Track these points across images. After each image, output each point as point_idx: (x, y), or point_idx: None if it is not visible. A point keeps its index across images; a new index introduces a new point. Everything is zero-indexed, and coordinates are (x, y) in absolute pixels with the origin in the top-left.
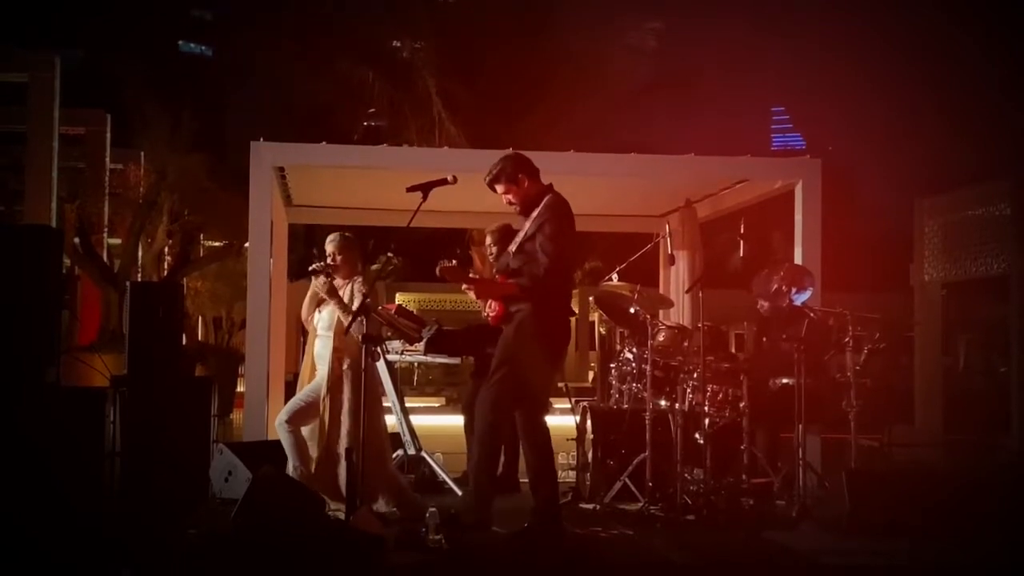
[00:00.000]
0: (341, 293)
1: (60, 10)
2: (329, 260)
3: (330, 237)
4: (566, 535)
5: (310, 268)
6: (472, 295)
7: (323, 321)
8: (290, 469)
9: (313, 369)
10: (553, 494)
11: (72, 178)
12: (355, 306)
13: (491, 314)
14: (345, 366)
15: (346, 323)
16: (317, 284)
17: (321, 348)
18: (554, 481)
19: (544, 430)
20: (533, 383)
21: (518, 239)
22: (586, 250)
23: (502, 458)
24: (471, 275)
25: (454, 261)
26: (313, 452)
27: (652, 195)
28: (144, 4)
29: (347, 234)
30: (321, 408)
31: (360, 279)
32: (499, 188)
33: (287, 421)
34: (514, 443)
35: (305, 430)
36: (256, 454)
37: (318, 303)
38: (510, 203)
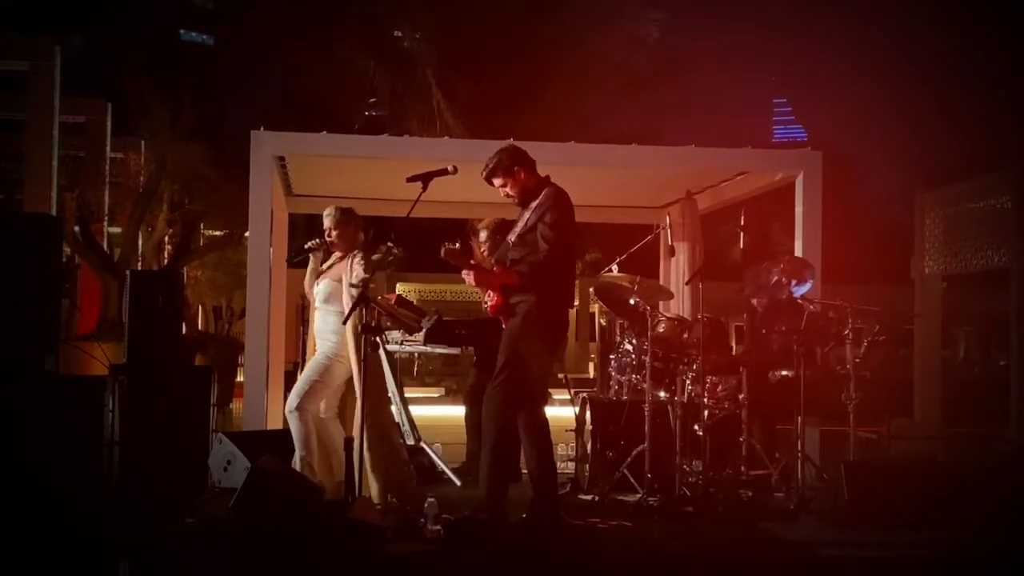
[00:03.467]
0: (333, 267)
1: None
2: (326, 236)
3: (327, 211)
4: (565, 526)
5: (306, 246)
6: (471, 281)
7: (320, 294)
8: (296, 460)
9: (315, 346)
10: (552, 485)
11: (72, 167)
12: (354, 279)
13: (489, 303)
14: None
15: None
16: (315, 261)
17: (320, 323)
18: (553, 472)
19: (544, 422)
20: (538, 378)
21: (517, 229)
22: (586, 241)
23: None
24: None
25: (457, 244)
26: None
27: (653, 186)
28: None
29: (345, 207)
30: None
31: (360, 254)
32: (496, 181)
33: (297, 408)
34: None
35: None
36: (255, 443)
37: (317, 276)
38: (508, 196)
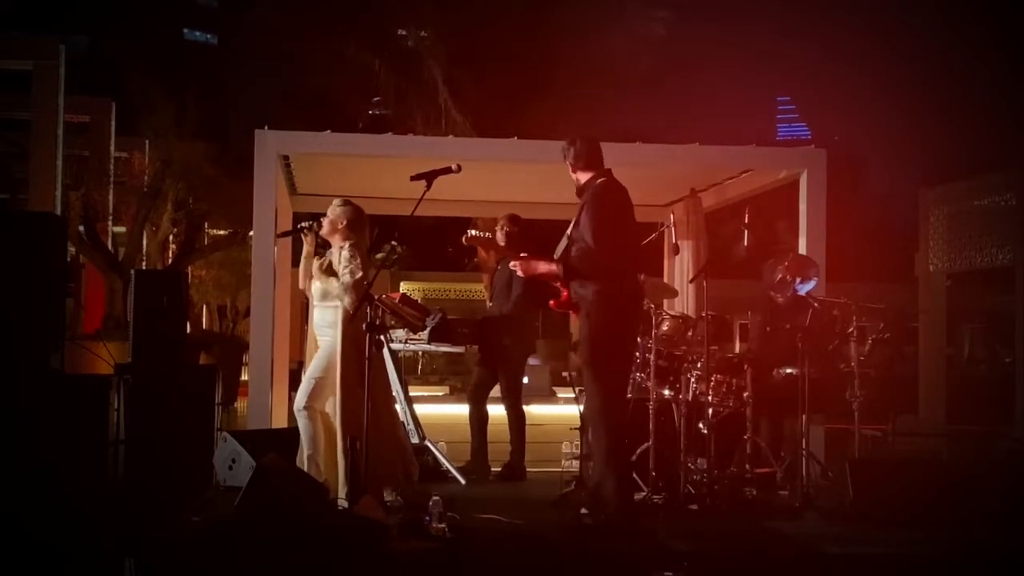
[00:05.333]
0: (324, 254)
1: None
2: (322, 218)
3: (336, 201)
4: (640, 526)
5: (299, 225)
6: (520, 271)
7: (317, 292)
8: (304, 458)
9: (316, 342)
10: (619, 484)
11: (77, 166)
12: (345, 272)
13: (553, 299)
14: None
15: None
16: (309, 245)
17: (319, 319)
18: (619, 470)
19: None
20: (625, 363)
21: (572, 224)
22: None
23: (508, 447)
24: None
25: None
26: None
27: (657, 184)
28: None
29: (355, 205)
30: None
31: (347, 245)
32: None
33: (306, 407)
34: (520, 432)
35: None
36: (260, 442)
37: (311, 274)
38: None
